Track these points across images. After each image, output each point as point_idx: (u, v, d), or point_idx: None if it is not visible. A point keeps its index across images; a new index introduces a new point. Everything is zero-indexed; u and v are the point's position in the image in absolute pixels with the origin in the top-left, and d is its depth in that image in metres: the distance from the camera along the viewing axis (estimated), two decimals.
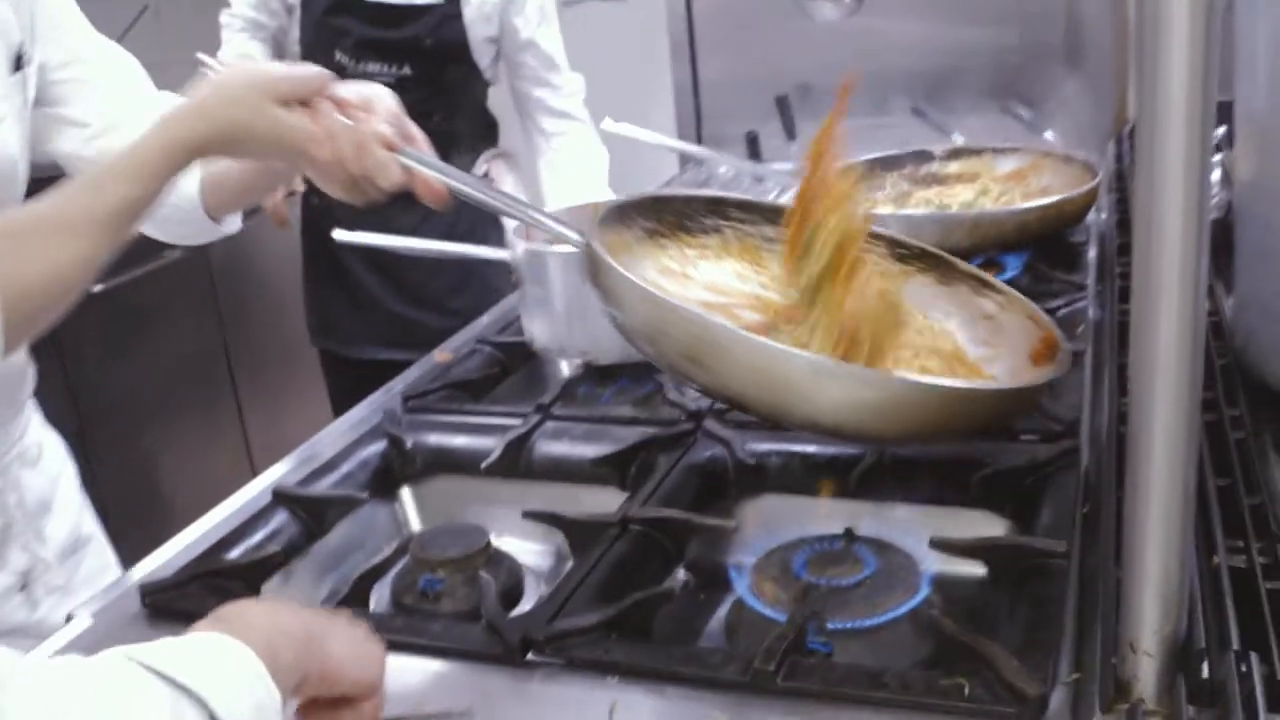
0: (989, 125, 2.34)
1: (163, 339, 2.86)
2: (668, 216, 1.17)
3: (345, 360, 2.50)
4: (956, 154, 2.01)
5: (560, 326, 1.40)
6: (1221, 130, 1.32)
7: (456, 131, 2.39)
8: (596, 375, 1.42)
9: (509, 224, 1.40)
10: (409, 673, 0.89)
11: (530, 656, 0.87)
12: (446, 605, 1.00)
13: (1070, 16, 2.48)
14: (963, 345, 1.16)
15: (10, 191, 1.18)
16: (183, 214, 1.25)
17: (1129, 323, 0.68)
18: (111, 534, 1.47)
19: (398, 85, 2.27)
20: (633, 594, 0.91)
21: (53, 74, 1.24)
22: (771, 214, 1.21)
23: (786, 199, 2.28)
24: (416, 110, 2.43)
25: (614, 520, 1.03)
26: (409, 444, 1.25)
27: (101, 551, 1.43)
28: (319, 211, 2.38)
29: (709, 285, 1.12)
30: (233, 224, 1.29)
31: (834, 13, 2.57)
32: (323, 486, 1.18)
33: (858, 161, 1.95)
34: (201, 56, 1.14)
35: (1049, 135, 2.32)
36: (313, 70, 1.07)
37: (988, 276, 1.21)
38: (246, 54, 2.44)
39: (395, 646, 0.90)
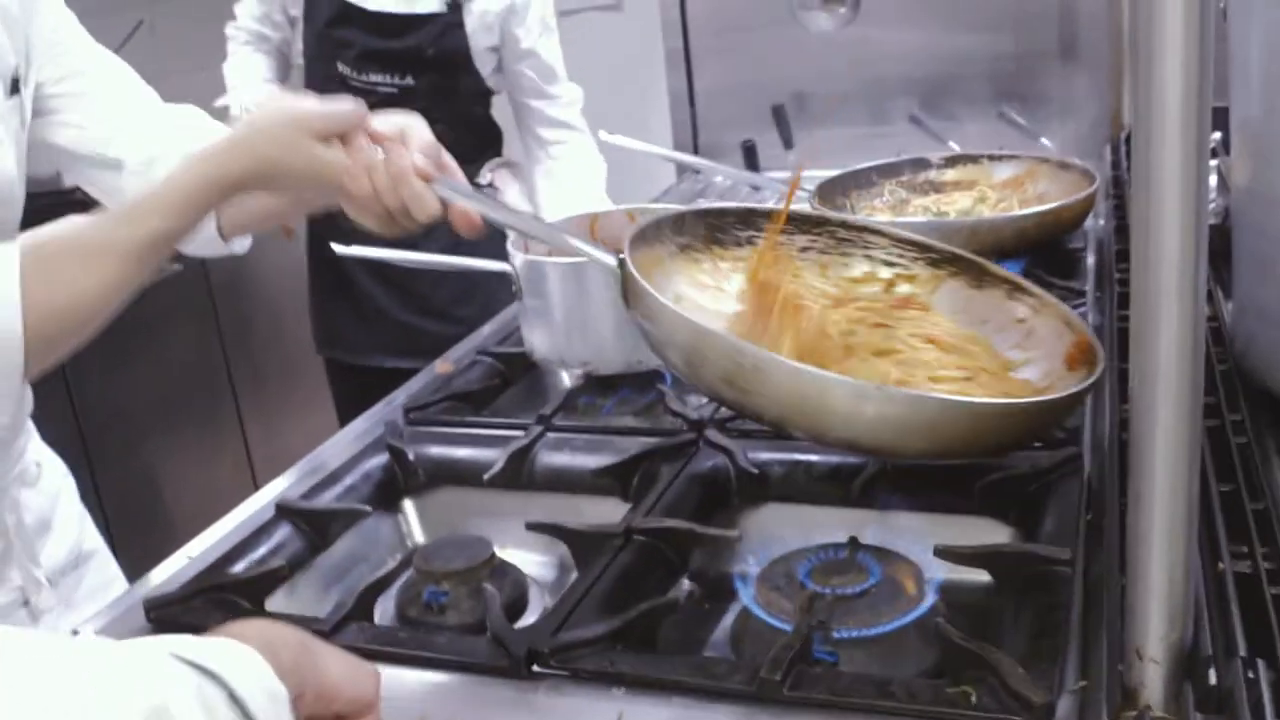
0: (986, 132, 2.34)
1: (163, 351, 2.85)
2: (700, 230, 1.17)
3: (351, 369, 2.50)
4: (953, 161, 2.01)
5: (560, 337, 1.40)
6: (1217, 136, 1.33)
7: (460, 141, 2.37)
8: (597, 386, 1.42)
9: (511, 235, 1.40)
10: (414, 685, 0.89)
11: (536, 669, 0.87)
12: (451, 617, 1.01)
13: (1065, 22, 2.48)
14: (1005, 356, 1.16)
15: (8, 214, 1.18)
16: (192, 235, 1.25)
17: (1129, 329, 0.68)
18: (114, 546, 1.47)
19: (400, 95, 2.30)
20: (638, 605, 0.91)
21: (49, 89, 1.25)
22: (803, 223, 1.21)
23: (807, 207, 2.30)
24: None
25: (617, 531, 1.03)
26: (411, 456, 1.25)
27: (105, 566, 1.42)
28: (324, 222, 2.39)
29: (742, 296, 1.12)
30: (242, 244, 1.29)
31: (828, 24, 2.58)
32: (326, 500, 1.18)
33: (856, 170, 1.97)
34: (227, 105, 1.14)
35: (1045, 141, 2.33)
36: (348, 105, 1.07)
37: (1021, 280, 1.20)
38: (251, 66, 2.45)
39: (400, 659, 0.91)
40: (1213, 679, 0.69)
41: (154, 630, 0.99)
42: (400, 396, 1.46)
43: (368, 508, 1.16)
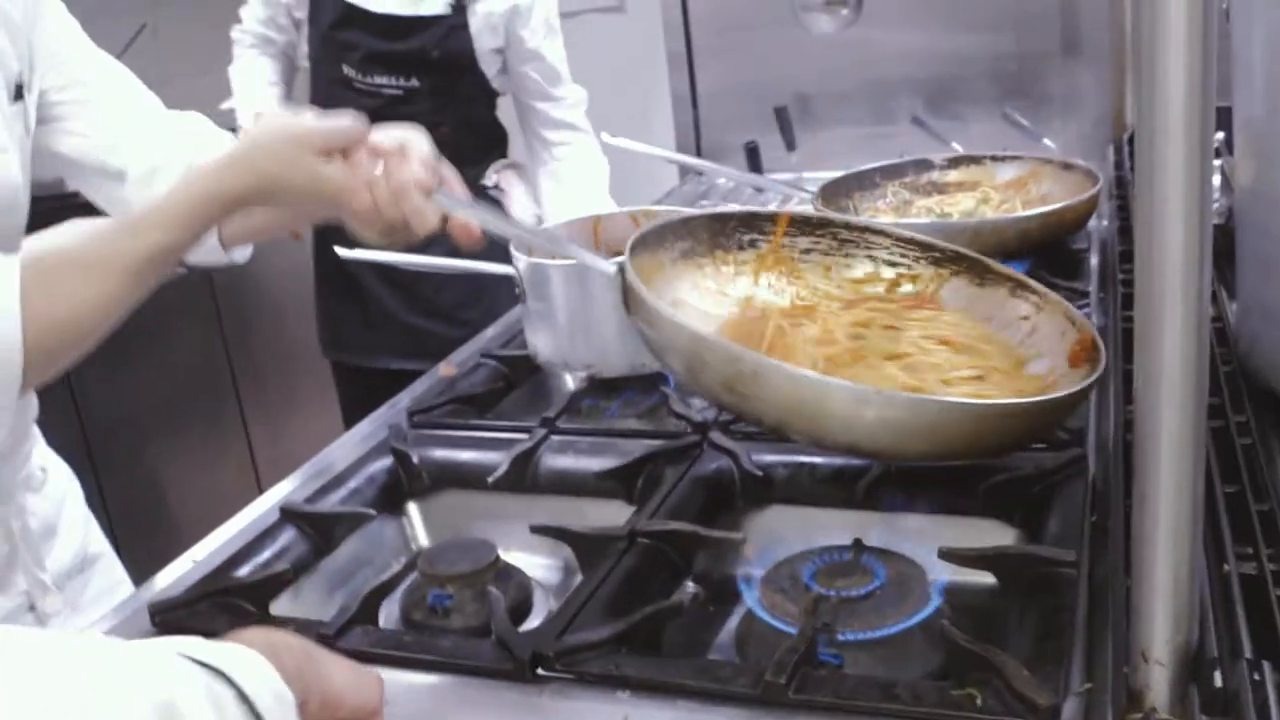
0: (988, 133, 2.34)
1: (167, 354, 2.86)
2: (702, 234, 1.18)
3: (357, 371, 2.50)
4: (956, 162, 2.01)
5: (564, 340, 1.40)
6: (1220, 136, 1.33)
7: (465, 142, 2.40)
8: (601, 388, 1.42)
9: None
10: (419, 689, 0.89)
11: (540, 672, 0.87)
12: (456, 621, 1.00)
13: (1067, 22, 2.48)
14: (1018, 350, 1.16)
15: (13, 220, 1.19)
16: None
17: (1133, 330, 0.68)
18: (119, 550, 1.47)
19: (405, 97, 2.30)
20: (642, 608, 0.91)
21: (53, 96, 1.25)
22: (805, 225, 1.21)
23: (791, 209, 2.30)
24: (425, 122, 2.44)
25: (622, 534, 1.03)
26: (415, 459, 1.25)
27: (110, 569, 1.43)
28: (329, 226, 2.39)
29: (744, 300, 1.12)
30: (243, 254, 1.29)
31: (830, 25, 2.58)
32: (330, 503, 1.18)
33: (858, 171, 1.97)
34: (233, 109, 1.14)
35: (1048, 142, 2.32)
36: (349, 120, 1.07)
37: (1024, 277, 1.21)
38: (257, 70, 2.45)
39: (404, 663, 0.91)
40: (1218, 681, 0.69)
41: (159, 634, 0.99)
42: (404, 399, 1.46)
43: (372, 511, 1.16)
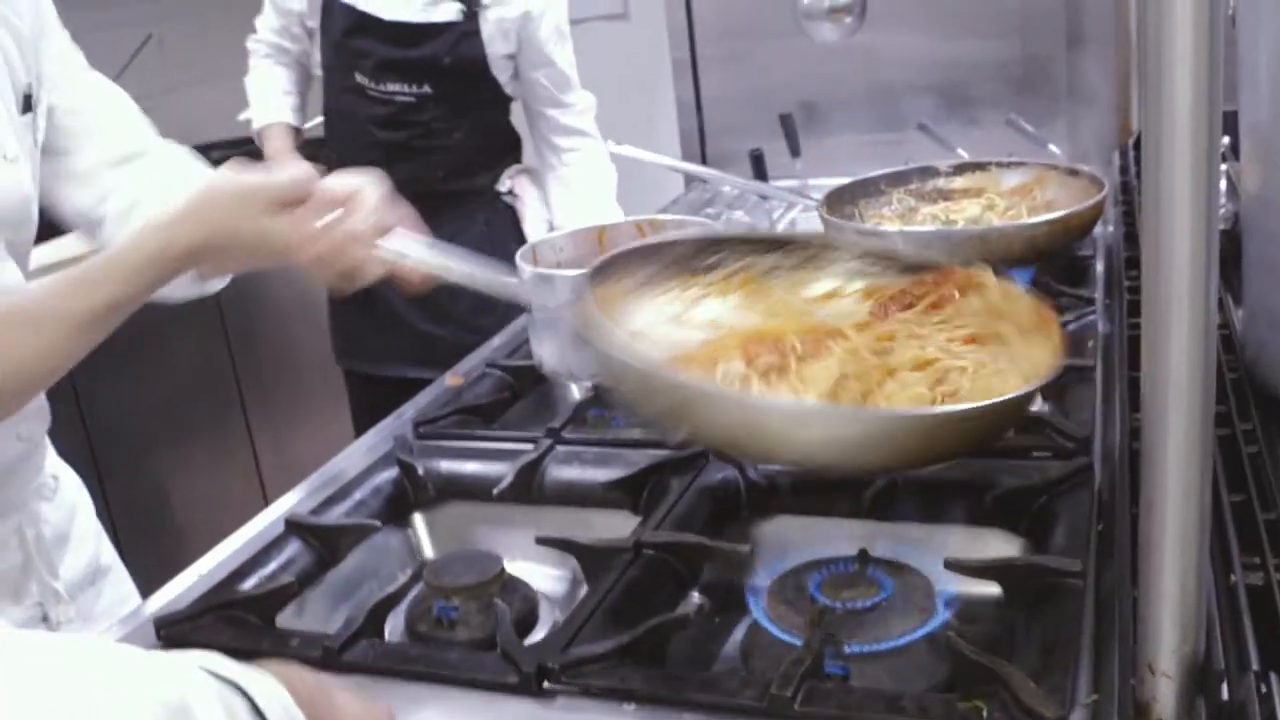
0: (993, 139, 2.34)
1: (171, 363, 2.86)
2: (666, 260, 1.17)
3: (369, 379, 2.50)
4: (962, 169, 2.00)
5: (569, 350, 1.40)
6: (1226, 141, 1.32)
7: (479, 148, 2.40)
8: (606, 398, 1.42)
9: (521, 248, 1.42)
10: (424, 702, 0.89)
11: (546, 685, 0.87)
12: (461, 633, 1.00)
13: (1071, 28, 2.48)
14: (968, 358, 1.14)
15: (25, 233, 1.20)
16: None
17: (1139, 337, 0.67)
18: (125, 561, 1.47)
19: (418, 104, 2.31)
20: (648, 620, 0.91)
21: (61, 119, 1.26)
22: (768, 244, 1.20)
23: (796, 216, 2.29)
24: (438, 128, 2.44)
25: (627, 545, 1.03)
26: (421, 470, 1.25)
27: (121, 581, 1.43)
28: None
29: (710, 323, 1.11)
30: (219, 283, 1.31)
31: (834, 34, 2.58)
32: (335, 515, 1.18)
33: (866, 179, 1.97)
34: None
35: (1053, 148, 2.32)
36: (298, 174, 1.10)
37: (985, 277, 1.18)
38: (272, 79, 2.46)
39: (410, 676, 0.91)
40: (1225, 694, 0.69)
41: (164, 648, 0.99)
42: (409, 410, 1.46)
43: (377, 523, 1.16)
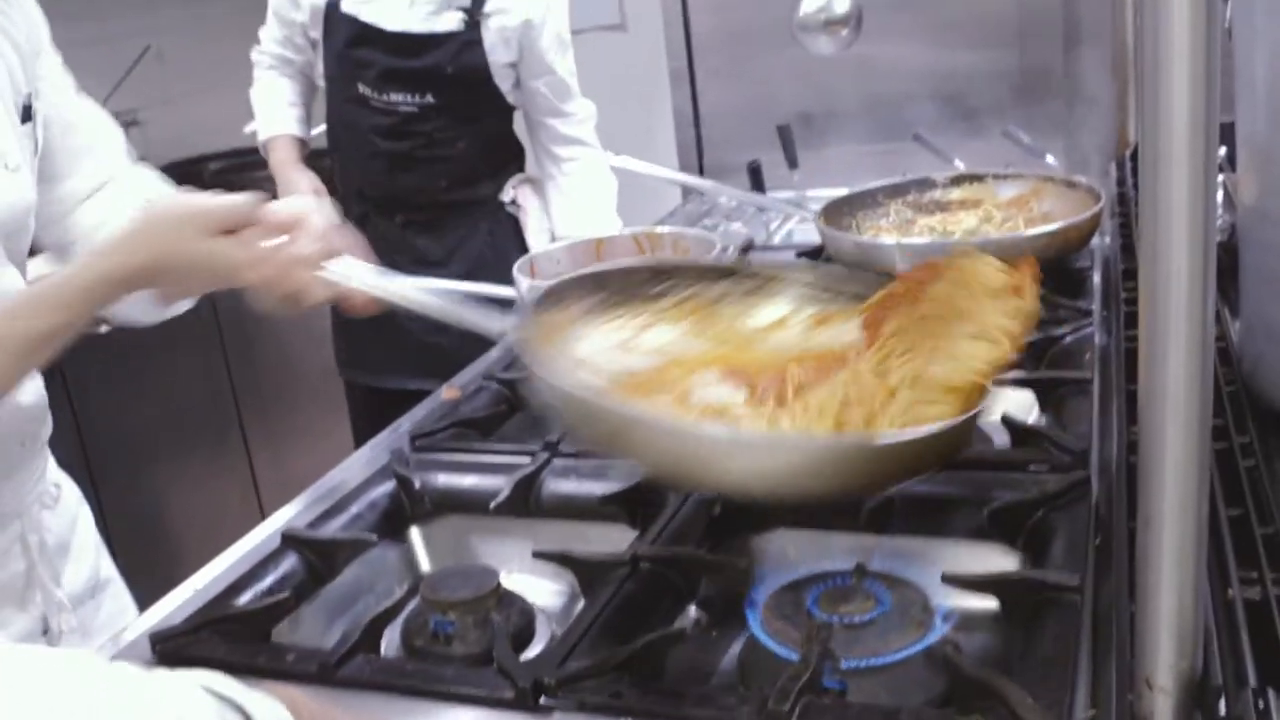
0: (990, 150, 2.34)
1: (169, 375, 2.86)
2: (614, 288, 1.16)
3: (370, 391, 2.50)
4: (959, 180, 2.01)
5: None
6: (1222, 152, 1.32)
7: (482, 157, 2.40)
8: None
9: (518, 260, 1.42)
10: (421, 717, 0.89)
11: (543, 700, 0.87)
12: (458, 648, 1.00)
13: (1068, 39, 2.49)
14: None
15: (23, 241, 1.20)
16: (131, 300, 1.27)
17: (1136, 349, 0.67)
18: (121, 574, 1.47)
19: (421, 114, 2.31)
20: (645, 634, 0.91)
21: (55, 140, 1.27)
22: (716, 274, 1.19)
23: (794, 227, 2.29)
24: (441, 137, 2.43)
25: (624, 559, 1.03)
26: (417, 484, 1.25)
27: (120, 595, 1.44)
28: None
29: (659, 350, 1.11)
30: (181, 306, 1.31)
31: (830, 47, 2.58)
32: (332, 529, 1.18)
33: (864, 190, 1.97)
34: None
35: (1050, 159, 2.32)
36: (242, 199, 1.10)
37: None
38: (277, 91, 2.47)
39: (406, 691, 0.91)
40: (1223, 709, 0.69)
41: (160, 664, 0.99)
42: (406, 424, 1.46)
43: (374, 537, 1.16)
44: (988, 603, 0.96)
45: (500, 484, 1.21)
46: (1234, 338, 1.22)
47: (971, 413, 0.94)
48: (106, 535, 1.48)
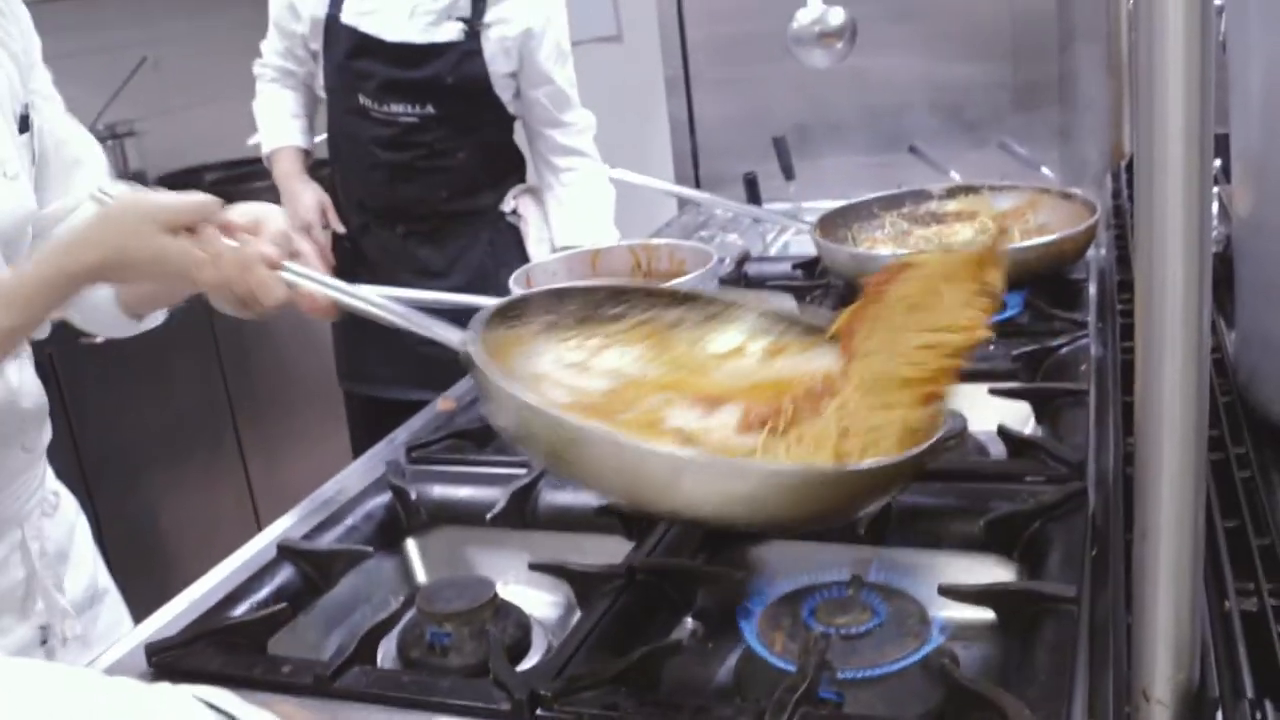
0: (986, 162, 2.35)
1: (165, 386, 2.86)
2: (569, 307, 1.15)
3: (371, 401, 2.50)
4: (954, 192, 2.01)
5: None
6: (1217, 163, 1.33)
7: (482, 167, 2.40)
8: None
9: (515, 272, 1.42)
10: None
11: (539, 712, 0.87)
12: (454, 659, 1.00)
13: (1063, 51, 2.49)
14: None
15: (21, 248, 1.21)
16: (102, 313, 1.29)
17: (1132, 361, 0.67)
18: (117, 585, 1.47)
19: (422, 124, 2.31)
20: (641, 646, 0.91)
21: (50, 152, 1.27)
22: (674, 298, 1.18)
23: (790, 239, 2.29)
24: (442, 148, 2.44)
25: (620, 570, 1.03)
26: (413, 495, 1.25)
27: (116, 605, 1.44)
28: (349, 256, 2.40)
29: (613, 372, 1.10)
30: (156, 319, 1.31)
31: (824, 60, 2.58)
32: (328, 540, 1.18)
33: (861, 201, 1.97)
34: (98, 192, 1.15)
35: (1046, 171, 2.33)
36: (200, 198, 1.10)
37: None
38: (279, 103, 2.48)
39: (402, 703, 0.90)
40: None
41: (156, 675, 0.98)
42: (402, 435, 1.46)
43: (369, 548, 1.16)
44: (984, 614, 0.96)
45: (496, 495, 1.21)
46: (1229, 349, 1.22)
47: (934, 440, 0.93)
48: (102, 545, 1.48)
